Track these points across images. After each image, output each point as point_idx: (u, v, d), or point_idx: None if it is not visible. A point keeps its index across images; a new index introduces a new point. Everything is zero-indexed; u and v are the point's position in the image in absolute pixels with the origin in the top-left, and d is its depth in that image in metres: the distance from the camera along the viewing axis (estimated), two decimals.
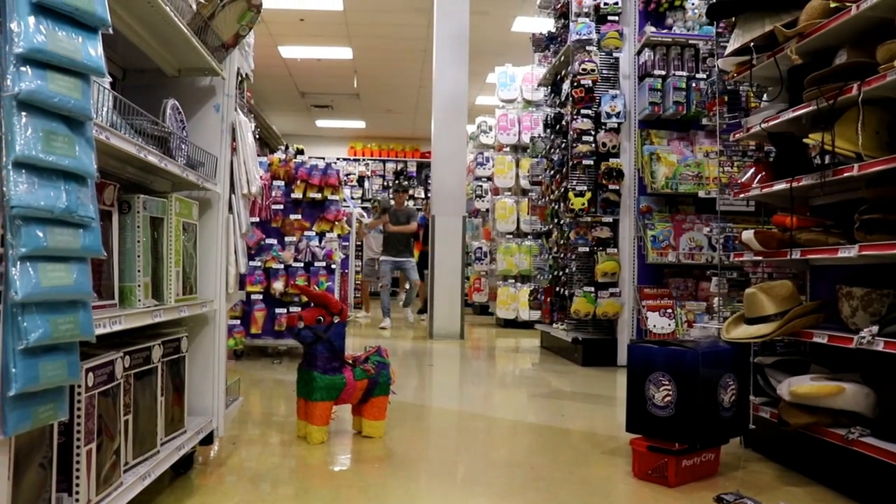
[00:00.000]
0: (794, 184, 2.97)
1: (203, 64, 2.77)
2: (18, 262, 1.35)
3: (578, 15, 6.19)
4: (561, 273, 6.66)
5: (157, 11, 2.24)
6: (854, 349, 2.51)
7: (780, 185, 3.07)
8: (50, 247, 1.40)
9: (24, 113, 1.35)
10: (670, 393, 2.81)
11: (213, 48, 2.74)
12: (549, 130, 7.33)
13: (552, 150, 7.11)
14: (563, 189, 6.50)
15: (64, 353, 1.48)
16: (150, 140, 2.30)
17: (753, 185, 3.33)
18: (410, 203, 13.41)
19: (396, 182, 10.57)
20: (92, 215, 1.50)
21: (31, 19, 1.36)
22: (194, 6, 2.50)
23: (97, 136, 1.64)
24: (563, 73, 6.83)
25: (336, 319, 3.31)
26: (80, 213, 1.46)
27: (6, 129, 1.34)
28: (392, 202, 9.87)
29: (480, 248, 10.66)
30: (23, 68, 1.34)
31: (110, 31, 1.56)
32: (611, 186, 5.99)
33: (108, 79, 1.69)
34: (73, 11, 1.44)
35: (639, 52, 6.08)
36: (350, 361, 3.37)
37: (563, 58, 6.68)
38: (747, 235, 3.21)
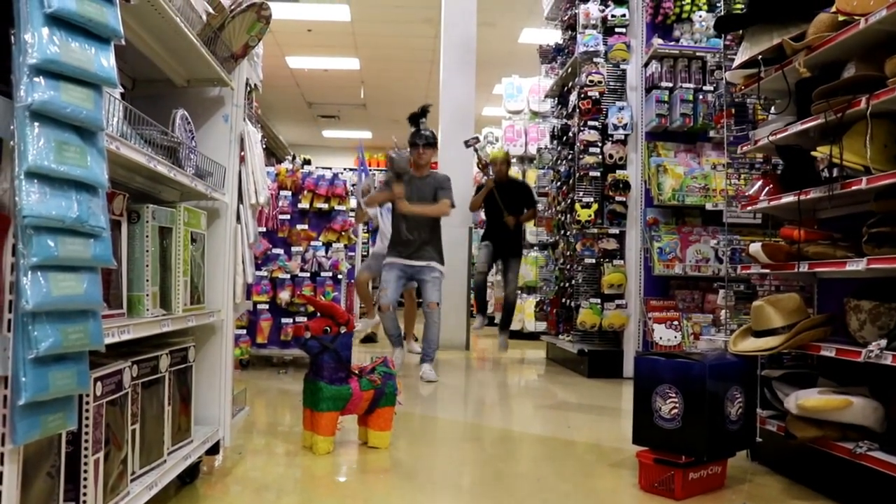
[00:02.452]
0: (802, 196, 2.96)
1: (212, 74, 2.79)
2: (30, 272, 1.35)
3: (586, 27, 6.21)
4: (567, 284, 6.66)
5: (168, 22, 2.25)
6: (862, 363, 2.50)
7: (788, 198, 3.07)
8: (61, 256, 1.40)
9: (36, 123, 1.36)
10: (677, 405, 2.80)
11: (222, 59, 2.76)
12: (555, 142, 7.33)
13: (559, 162, 7.12)
14: (569, 200, 6.50)
15: (73, 362, 1.48)
16: (159, 150, 2.31)
17: (761, 198, 3.33)
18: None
19: (416, 129, 5.80)
20: (103, 225, 1.51)
21: (45, 30, 1.37)
22: (204, 17, 2.52)
23: (108, 147, 1.65)
24: (570, 84, 6.84)
25: (342, 330, 3.31)
26: (92, 223, 1.47)
27: (19, 138, 1.35)
28: (408, 158, 5.77)
29: None
30: (36, 79, 1.35)
31: (122, 42, 1.57)
32: (617, 198, 5.99)
33: (120, 89, 1.71)
34: (87, 23, 1.45)
35: (646, 64, 6.09)
36: (356, 372, 3.36)
37: (570, 69, 6.70)
38: (755, 248, 3.21)
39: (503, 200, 6.95)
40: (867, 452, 2.49)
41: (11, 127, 1.36)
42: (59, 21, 1.40)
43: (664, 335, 5.71)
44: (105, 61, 1.51)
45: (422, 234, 5.67)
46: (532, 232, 9.39)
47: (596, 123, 6.10)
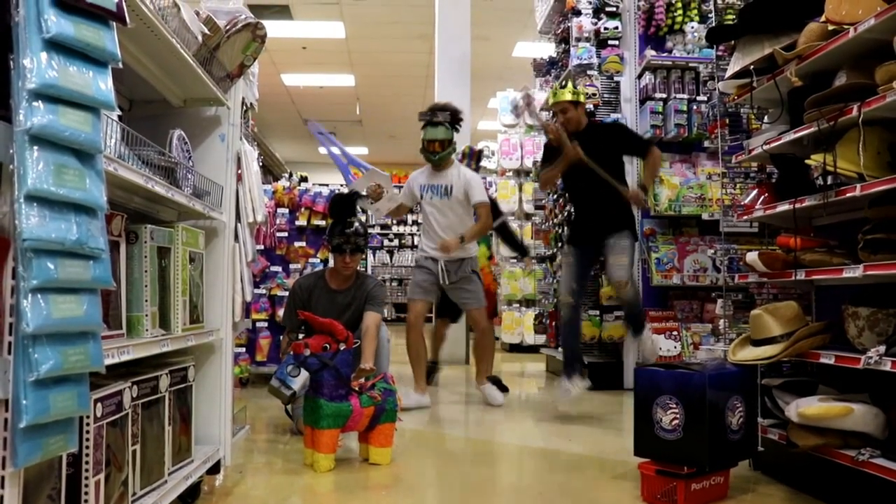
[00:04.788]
0: (797, 205, 2.98)
1: (208, 94, 2.81)
2: (30, 294, 1.36)
3: (579, 40, 6.24)
4: None
5: (164, 44, 2.27)
6: (862, 369, 2.51)
7: (784, 207, 3.08)
8: (61, 278, 1.41)
9: (35, 147, 1.38)
10: (678, 416, 2.80)
11: (218, 79, 2.78)
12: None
13: None
14: (566, 213, 6.50)
15: (74, 384, 1.49)
16: (156, 170, 2.32)
17: (756, 207, 3.34)
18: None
19: (340, 226, 4.03)
20: (102, 247, 1.52)
21: (44, 55, 1.38)
22: (200, 38, 2.54)
23: (106, 168, 1.66)
24: None
25: (342, 347, 3.31)
26: (91, 244, 1.48)
27: (18, 162, 1.36)
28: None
29: None
30: (35, 103, 1.37)
31: (120, 65, 1.59)
32: None
33: (117, 111, 1.72)
34: (85, 47, 1.47)
35: (639, 76, 6.12)
36: (356, 388, 3.36)
37: (564, 82, 6.72)
38: (752, 257, 3.21)
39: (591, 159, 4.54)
40: (869, 459, 2.49)
41: (11, 151, 1.38)
42: (58, 46, 1.42)
43: (663, 346, 5.70)
44: (103, 84, 1.52)
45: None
46: (529, 245, 9.11)
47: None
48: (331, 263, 4.22)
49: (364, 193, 4.81)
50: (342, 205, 4.10)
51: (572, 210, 5.26)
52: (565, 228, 6.52)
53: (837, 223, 3.19)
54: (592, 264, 4.72)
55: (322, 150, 6.32)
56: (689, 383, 2.80)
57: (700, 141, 5.95)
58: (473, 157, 6.67)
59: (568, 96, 4.80)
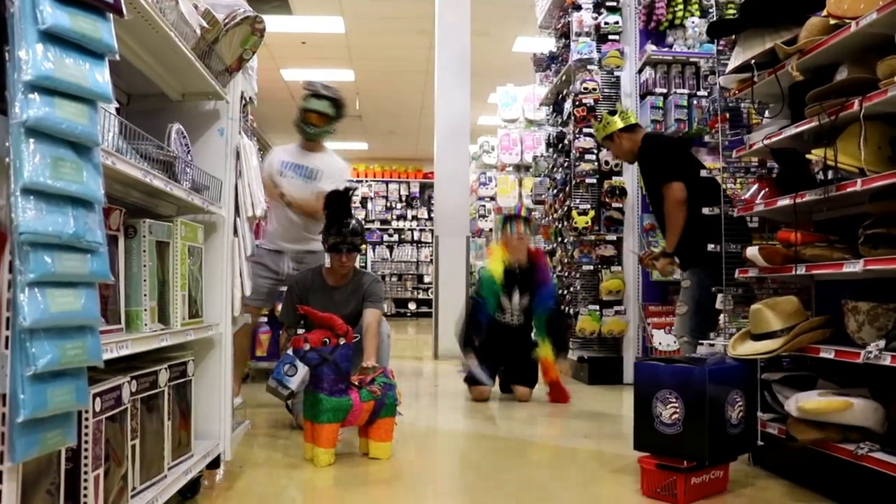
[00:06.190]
0: (798, 199, 2.97)
1: (207, 88, 2.79)
2: (27, 288, 1.35)
3: (579, 35, 6.23)
4: (565, 292, 6.65)
5: (162, 37, 2.26)
6: (861, 364, 2.50)
7: (784, 201, 3.08)
8: (58, 272, 1.40)
9: (32, 140, 1.37)
10: (677, 410, 2.79)
11: (216, 72, 2.76)
12: (551, 149, 7.34)
13: (555, 169, 7.12)
14: (566, 208, 6.50)
15: (72, 378, 1.48)
16: (155, 164, 2.31)
17: (757, 202, 3.33)
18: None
19: (337, 226, 3.90)
20: (99, 241, 1.51)
21: (39, 47, 1.37)
22: (198, 31, 2.53)
23: (104, 162, 1.65)
24: (564, 92, 6.86)
25: (342, 341, 3.31)
26: (88, 238, 1.47)
27: (14, 155, 1.35)
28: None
29: (484, 267, 10.59)
30: (31, 95, 1.36)
31: (117, 57, 1.58)
32: (614, 204, 6.00)
33: (115, 104, 1.72)
34: (81, 38, 1.46)
35: (640, 71, 6.10)
36: (356, 383, 3.36)
37: (564, 77, 6.72)
38: (752, 252, 3.21)
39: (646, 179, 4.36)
40: (868, 453, 2.49)
41: (7, 143, 1.37)
42: (54, 37, 1.41)
43: (663, 340, 5.70)
44: (100, 76, 1.51)
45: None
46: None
47: (591, 130, 6.11)
48: (327, 261, 4.14)
49: None
50: (338, 203, 3.96)
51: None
52: (564, 223, 6.53)
53: (838, 218, 3.18)
54: None
55: None
56: (689, 378, 2.80)
57: (700, 136, 5.93)
58: (518, 223, 5.47)
59: (601, 133, 4.46)
